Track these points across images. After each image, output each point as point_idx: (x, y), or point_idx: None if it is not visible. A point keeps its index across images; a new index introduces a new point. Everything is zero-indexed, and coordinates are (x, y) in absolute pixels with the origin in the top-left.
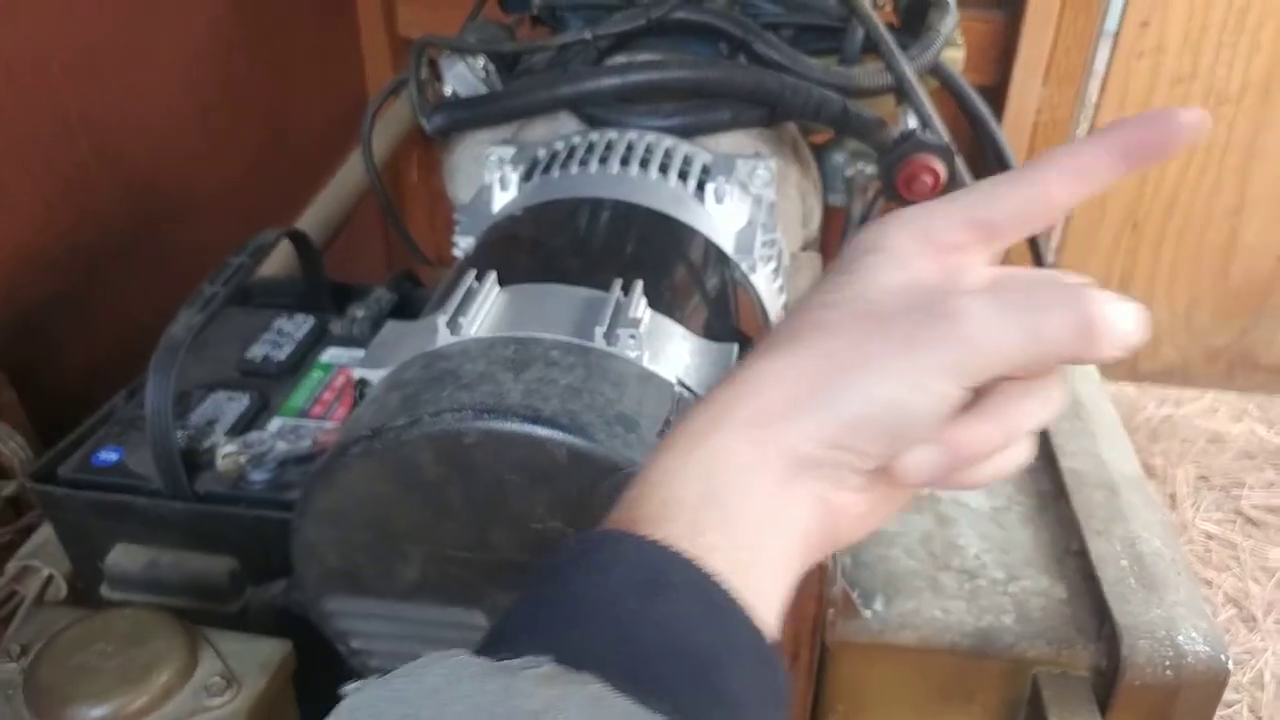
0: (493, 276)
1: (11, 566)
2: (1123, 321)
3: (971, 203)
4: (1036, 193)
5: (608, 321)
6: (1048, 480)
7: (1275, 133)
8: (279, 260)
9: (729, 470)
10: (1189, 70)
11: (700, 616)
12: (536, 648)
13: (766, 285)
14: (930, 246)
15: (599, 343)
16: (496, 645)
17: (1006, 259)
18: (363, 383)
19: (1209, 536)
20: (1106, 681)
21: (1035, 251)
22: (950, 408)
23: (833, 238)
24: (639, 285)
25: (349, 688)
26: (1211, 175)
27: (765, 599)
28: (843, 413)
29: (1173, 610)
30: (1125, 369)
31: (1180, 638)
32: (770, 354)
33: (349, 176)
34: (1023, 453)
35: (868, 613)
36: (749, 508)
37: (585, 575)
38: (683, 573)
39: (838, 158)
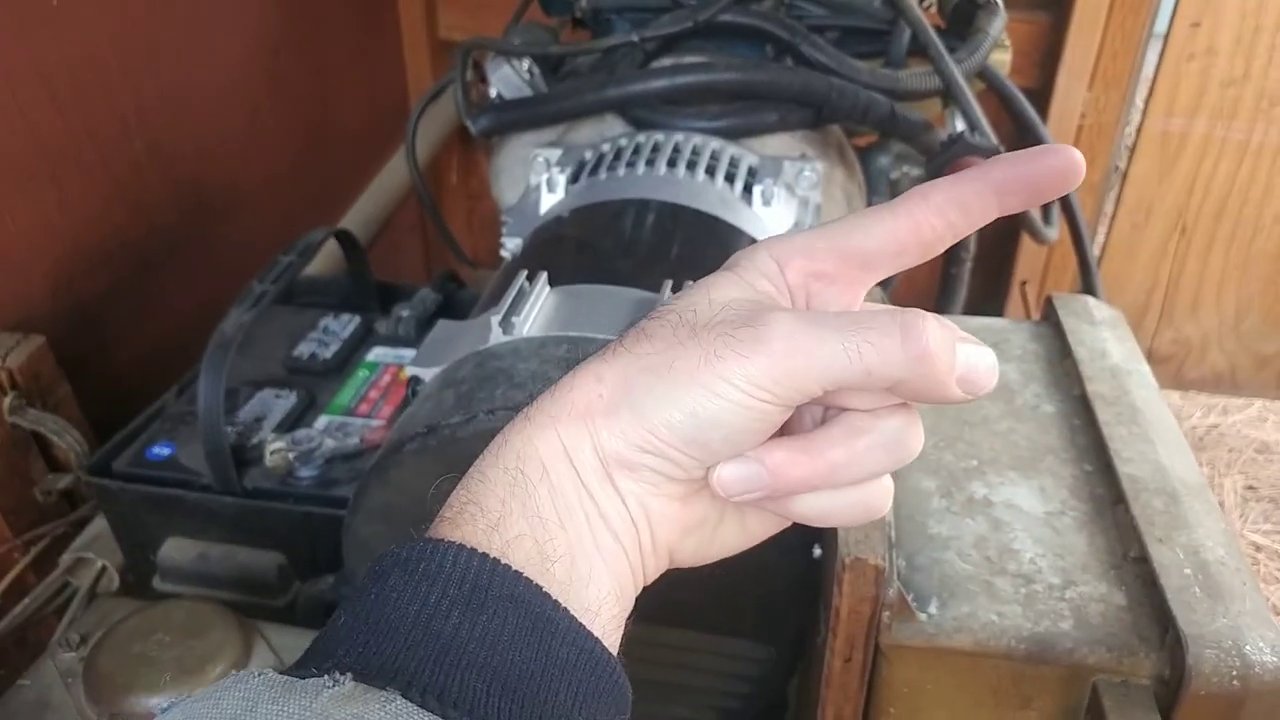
0: (544, 277)
1: (66, 558)
2: (970, 357)
3: (845, 232)
4: (912, 225)
5: None
6: (1103, 485)
7: None
8: (323, 259)
9: (534, 460)
10: (1241, 72)
11: (524, 631)
12: (348, 662)
13: None
14: (788, 270)
15: None
16: (310, 659)
17: (1049, 257)
18: (415, 380)
19: (1257, 548)
20: (1170, 691)
21: (1080, 256)
22: (765, 423)
23: None
24: (688, 286)
25: (162, 709)
26: (1262, 180)
27: (594, 593)
28: (648, 415)
29: (1238, 620)
30: (1171, 376)
31: (1247, 648)
32: (595, 357)
33: (390, 177)
34: (874, 499)
35: (923, 616)
36: (558, 497)
37: (405, 586)
38: (507, 585)
39: (882, 160)
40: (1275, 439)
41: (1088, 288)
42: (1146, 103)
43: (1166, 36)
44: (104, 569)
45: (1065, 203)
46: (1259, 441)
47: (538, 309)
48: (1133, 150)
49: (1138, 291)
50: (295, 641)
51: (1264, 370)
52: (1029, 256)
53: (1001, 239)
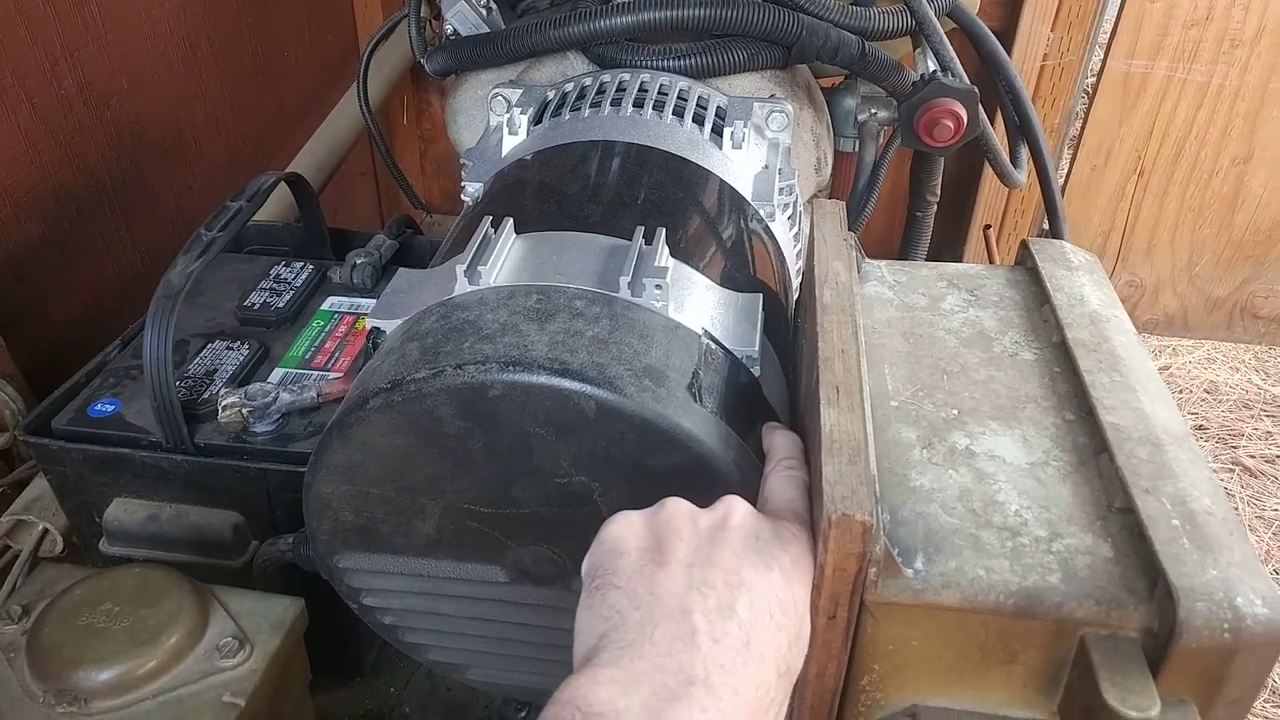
0: (509, 224)
1: (4, 520)
2: None
3: None
4: None
5: (632, 270)
6: (1086, 434)
7: None
8: (273, 205)
9: None
10: (1204, 14)
11: None
12: None
13: (784, 232)
14: None
15: (624, 293)
16: None
17: (1009, 201)
18: (376, 332)
19: (1222, 489)
20: (1159, 644)
21: (1048, 198)
22: None
23: (842, 183)
24: (661, 233)
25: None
26: (1220, 122)
27: None
28: None
29: (1229, 571)
30: None
31: (1239, 600)
32: None
33: (340, 119)
34: None
35: (909, 571)
36: None
37: None
38: None
39: (849, 102)
40: (1224, 379)
41: (1055, 231)
42: (1109, 44)
43: None
44: (46, 532)
45: (1034, 145)
46: (1208, 382)
47: (504, 257)
48: (1093, 92)
49: (1095, 234)
50: (255, 606)
51: (1214, 312)
52: (990, 200)
53: (962, 183)
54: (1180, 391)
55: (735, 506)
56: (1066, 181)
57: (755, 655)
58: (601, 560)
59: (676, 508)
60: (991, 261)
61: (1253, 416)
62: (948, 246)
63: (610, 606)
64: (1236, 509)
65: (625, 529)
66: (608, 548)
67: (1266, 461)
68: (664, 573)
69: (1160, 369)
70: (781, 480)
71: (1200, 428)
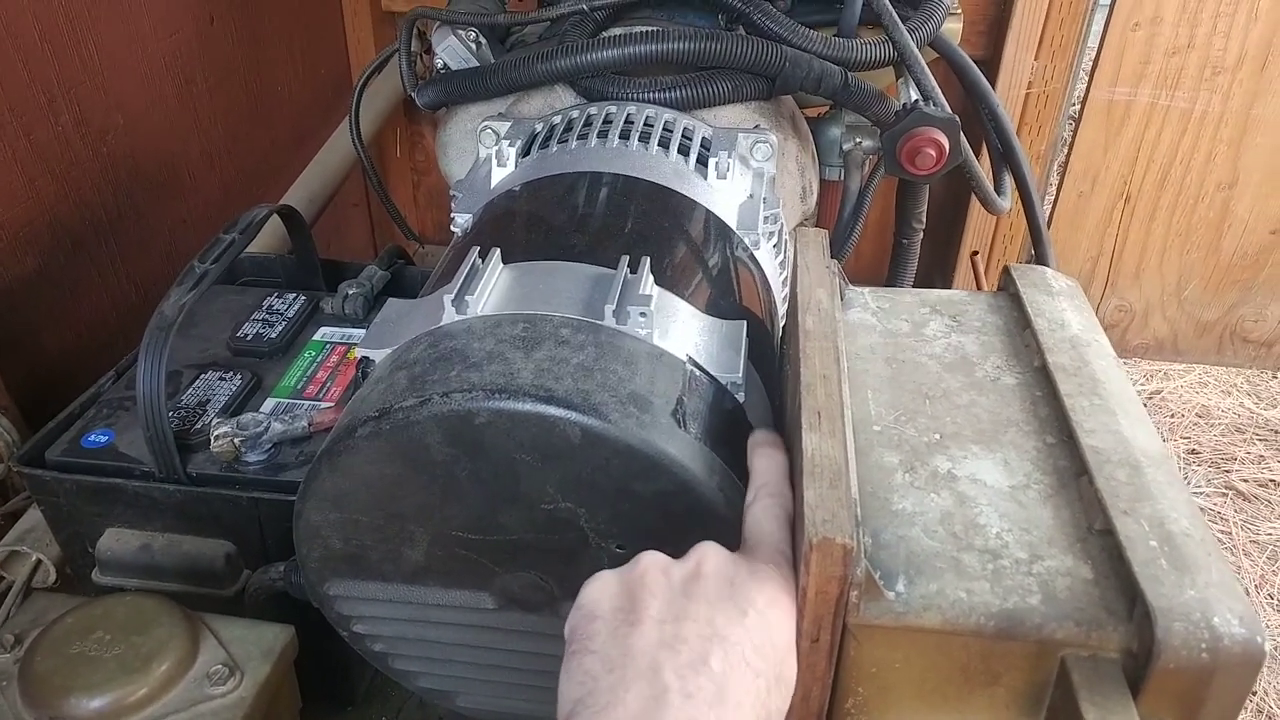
0: (497, 254)
1: None
2: None
3: None
4: None
5: (617, 299)
6: (1066, 458)
7: (1271, 104)
8: (266, 237)
9: None
10: (1185, 41)
11: None
12: None
13: (770, 261)
14: None
15: (609, 321)
16: None
17: (997, 227)
18: (365, 361)
19: (1200, 511)
20: (1139, 664)
21: (1032, 225)
22: None
23: (828, 211)
24: (646, 262)
25: None
26: (1205, 148)
27: None
28: None
29: (1206, 592)
30: (1114, 343)
31: (1216, 620)
32: None
33: (333, 152)
34: None
35: (891, 594)
36: None
37: None
38: None
39: (834, 131)
40: (1215, 403)
41: (1040, 257)
42: (1092, 71)
43: (1112, 5)
44: (39, 563)
45: (1017, 172)
46: (1200, 406)
47: (492, 287)
48: (1078, 119)
49: (1083, 260)
50: (245, 634)
51: (1205, 336)
52: (978, 226)
53: (951, 209)
54: (1172, 416)
55: (708, 554)
56: (1054, 208)
57: (731, 706)
58: (577, 624)
59: (650, 561)
60: (980, 287)
61: (1245, 440)
62: (937, 272)
63: (585, 671)
64: (1230, 533)
65: (599, 591)
66: (584, 611)
67: (1260, 485)
68: (637, 632)
69: (1152, 393)
70: (761, 512)
71: (1193, 452)
